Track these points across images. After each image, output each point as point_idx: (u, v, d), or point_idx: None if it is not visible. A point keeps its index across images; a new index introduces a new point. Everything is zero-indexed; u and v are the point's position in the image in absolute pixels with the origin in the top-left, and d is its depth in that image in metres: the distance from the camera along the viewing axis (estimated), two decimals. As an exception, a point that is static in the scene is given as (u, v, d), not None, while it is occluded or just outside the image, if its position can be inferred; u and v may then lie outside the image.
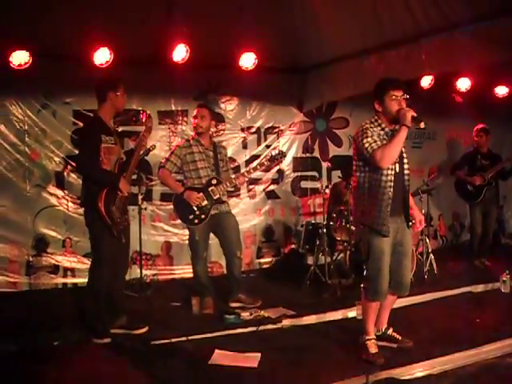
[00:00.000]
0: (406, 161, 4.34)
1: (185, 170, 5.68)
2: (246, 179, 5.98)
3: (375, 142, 4.12)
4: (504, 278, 6.34)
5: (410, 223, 4.44)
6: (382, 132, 4.23)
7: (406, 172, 4.34)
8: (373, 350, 4.38)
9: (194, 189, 5.59)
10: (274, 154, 5.93)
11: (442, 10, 5.14)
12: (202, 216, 5.56)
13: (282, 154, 5.94)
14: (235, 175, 5.91)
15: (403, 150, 4.29)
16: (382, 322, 4.71)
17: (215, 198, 5.60)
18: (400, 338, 4.65)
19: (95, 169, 4.63)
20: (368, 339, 4.45)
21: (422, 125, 4.07)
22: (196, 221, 5.56)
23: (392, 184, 4.17)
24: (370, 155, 4.10)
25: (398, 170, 4.25)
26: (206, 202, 5.57)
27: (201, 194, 5.56)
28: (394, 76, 5.35)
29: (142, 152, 5.05)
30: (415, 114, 4.05)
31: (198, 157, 5.66)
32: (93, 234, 4.80)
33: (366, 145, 4.12)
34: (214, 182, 5.63)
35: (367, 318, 4.48)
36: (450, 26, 5.20)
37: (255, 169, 5.92)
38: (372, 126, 4.24)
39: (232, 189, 5.73)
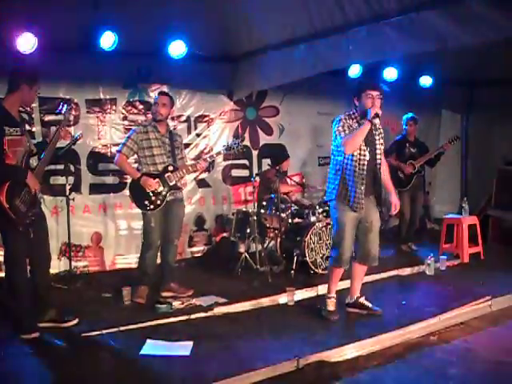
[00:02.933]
0: (378, 147, 4.97)
1: (140, 155, 5.63)
2: (207, 164, 5.97)
3: (344, 131, 4.81)
4: (429, 262, 6.60)
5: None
6: (356, 124, 4.87)
7: (378, 157, 4.96)
8: (330, 307, 5.09)
9: (150, 175, 5.54)
10: (229, 143, 5.89)
11: (369, 2, 5.25)
12: (158, 202, 5.53)
13: (238, 144, 5.84)
14: (197, 160, 5.87)
15: (376, 138, 4.96)
16: (355, 291, 5.27)
17: (171, 184, 5.58)
18: (370, 305, 5.19)
19: None
20: (328, 297, 5.13)
21: (377, 121, 4.77)
22: (152, 206, 5.52)
23: (364, 168, 4.82)
24: (338, 142, 4.81)
25: (368, 156, 4.85)
26: (161, 188, 5.54)
27: (157, 179, 5.53)
28: (323, 65, 5.56)
29: (57, 143, 4.84)
30: (378, 112, 4.70)
31: (155, 143, 5.61)
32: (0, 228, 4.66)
33: (336, 133, 4.84)
34: (171, 168, 5.60)
35: (330, 280, 5.17)
36: (376, 18, 5.32)
37: (218, 154, 6.01)
38: (347, 118, 4.90)
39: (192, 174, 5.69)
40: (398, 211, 5.30)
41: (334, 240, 5.12)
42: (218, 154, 6.01)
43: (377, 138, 4.97)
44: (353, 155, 4.81)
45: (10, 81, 4.58)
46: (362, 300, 5.23)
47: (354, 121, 4.89)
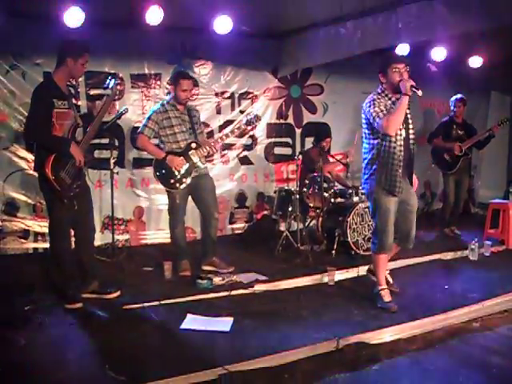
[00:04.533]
0: (411, 126, 4.73)
1: (162, 134, 5.64)
2: (219, 145, 5.96)
3: (382, 111, 4.52)
4: (472, 246, 6.47)
5: None
6: (389, 102, 4.62)
7: (411, 136, 4.72)
8: (387, 298, 4.82)
9: (174, 153, 5.55)
10: (249, 118, 5.90)
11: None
12: (184, 180, 5.56)
13: (257, 118, 5.91)
14: (210, 141, 5.87)
15: (409, 116, 4.69)
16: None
17: (196, 161, 5.59)
18: (391, 281, 5.16)
19: (42, 135, 4.46)
20: (381, 289, 4.87)
21: (420, 93, 4.47)
22: (178, 185, 5.55)
23: (402, 148, 4.60)
24: (378, 124, 4.50)
25: (404, 134, 4.63)
26: (187, 166, 5.55)
27: (182, 158, 5.54)
28: (370, 43, 5.43)
29: (104, 116, 4.90)
30: (414, 84, 4.46)
31: (175, 121, 5.62)
32: (45, 199, 4.77)
33: (374, 114, 4.54)
34: (194, 145, 5.62)
35: (377, 269, 4.94)
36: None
37: (228, 135, 5.92)
38: (379, 97, 4.64)
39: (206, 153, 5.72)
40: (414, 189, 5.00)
41: (377, 226, 4.84)
42: (228, 135, 5.92)
43: (408, 114, 4.70)
44: (390, 136, 4.55)
45: (57, 56, 4.64)
46: (386, 274, 5.14)
47: (386, 98, 4.64)
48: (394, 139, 4.57)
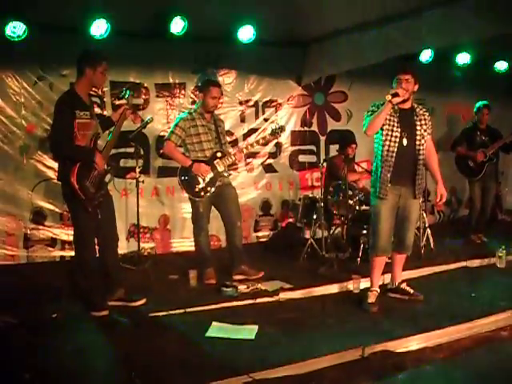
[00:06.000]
0: (418, 137, 4.83)
1: (188, 142, 5.67)
2: (244, 154, 5.99)
3: (369, 111, 4.84)
4: (500, 254, 6.37)
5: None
6: (391, 110, 4.76)
7: (417, 148, 4.83)
8: (371, 299, 4.97)
9: (200, 161, 5.59)
10: (273, 128, 5.91)
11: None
12: (208, 188, 5.59)
13: (282, 129, 5.92)
14: (234, 150, 5.89)
15: (417, 125, 4.82)
16: (396, 277, 5.26)
17: (220, 170, 5.62)
18: (412, 291, 5.16)
19: (67, 147, 4.52)
20: (371, 290, 5.06)
21: (388, 97, 4.63)
22: (202, 193, 5.59)
23: (393, 154, 4.75)
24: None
25: (405, 143, 4.77)
26: (211, 175, 5.59)
27: (207, 166, 5.57)
28: (394, 50, 5.43)
29: (121, 126, 4.96)
30: (398, 92, 4.64)
31: (202, 130, 5.66)
32: (69, 208, 4.84)
33: (365, 114, 4.88)
34: (219, 154, 5.66)
35: (371, 271, 5.11)
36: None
37: (253, 145, 5.94)
38: (381, 103, 4.79)
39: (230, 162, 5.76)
40: (442, 201, 5.13)
41: (371, 228, 5.08)
42: (253, 144, 5.93)
43: (418, 123, 4.83)
44: (383, 142, 4.78)
45: (77, 67, 4.71)
46: (404, 286, 5.21)
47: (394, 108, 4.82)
48: (387, 144, 4.77)
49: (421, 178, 4.93)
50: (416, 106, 4.96)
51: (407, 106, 4.85)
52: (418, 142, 4.83)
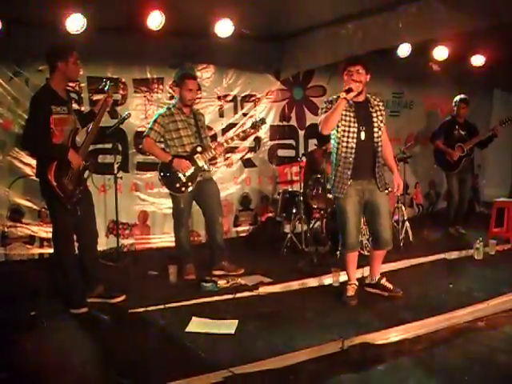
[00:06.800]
0: (376, 129, 4.75)
1: (167, 138, 5.65)
2: (224, 148, 5.97)
3: (324, 108, 4.75)
4: (477, 246, 6.44)
5: (387, 188, 5.04)
6: (346, 105, 4.66)
7: (375, 140, 4.76)
8: (349, 293, 4.98)
9: (180, 157, 5.57)
10: (254, 121, 5.93)
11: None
12: (189, 184, 5.57)
13: (263, 121, 5.95)
14: (214, 145, 5.88)
15: (373, 117, 4.74)
16: (375, 273, 5.20)
17: (201, 165, 5.61)
18: (391, 287, 5.11)
19: (40, 144, 4.49)
20: (348, 284, 5.05)
21: (343, 94, 4.49)
22: (183, 189, 5.56)
23: (353, 150, 4.69)
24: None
25: (363, 137, 4.70)
26: (192, 170, 5.57)
27: (188, 161, 5.55)
28: (371, 44, 5.44)
29: (101, 120, 4.90)
30: (352, 86, 4.51)
31: (181, 125, 5.63)
32: (47, 205, 4.80)
33: (319, 111, 4.82)
34: (200, 149, 5.64)
35: (346, 266, 5.09)
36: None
37: (233, 139, 5.93)
38: (334, 100, 4.70)
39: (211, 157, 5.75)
40: (400, 191, 5.10)
41: (339, 226, 4.99)
42: (233, 138, 5.95)
43: (374, 115, 4.76)
44: (340, 139, 4.70)
45: (47, 64, 4.69)
46: (384, 281, 5.16)
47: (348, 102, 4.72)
48: (344, 140, 4.70)
49: (381, 170, 4.85)
50: (370, 96, 4.85)
51: (361, 98, 4.75)
52: (375, 135, 4.76)
